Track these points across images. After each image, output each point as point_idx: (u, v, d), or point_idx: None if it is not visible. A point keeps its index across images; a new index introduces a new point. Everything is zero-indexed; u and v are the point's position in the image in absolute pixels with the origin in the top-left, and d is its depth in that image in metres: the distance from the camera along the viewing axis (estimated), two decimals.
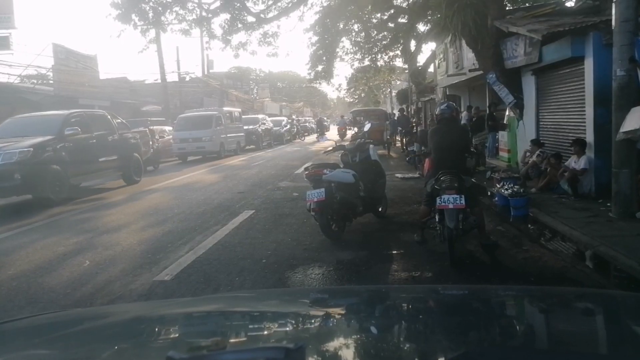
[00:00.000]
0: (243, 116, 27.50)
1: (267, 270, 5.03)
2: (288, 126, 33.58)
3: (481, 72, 11.55)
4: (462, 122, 12.58)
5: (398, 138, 20.92)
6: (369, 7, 18.41)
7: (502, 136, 12.55)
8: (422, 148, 12.53)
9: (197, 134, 19.60)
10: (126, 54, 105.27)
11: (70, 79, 22.76)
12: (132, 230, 7.24)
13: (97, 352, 1.31)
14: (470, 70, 13.86)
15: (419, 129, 14.50)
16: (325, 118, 44.55)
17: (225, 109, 23.81)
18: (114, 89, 25.69)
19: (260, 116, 30.10)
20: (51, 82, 23.21)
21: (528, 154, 9.46)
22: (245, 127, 24.73)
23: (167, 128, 21.45)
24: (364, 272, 4.88)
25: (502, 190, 7.22)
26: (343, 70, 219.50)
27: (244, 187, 11.11)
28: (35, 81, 23.04)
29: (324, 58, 22.48)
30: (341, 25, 20.91)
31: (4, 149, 9.39)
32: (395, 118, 21.72)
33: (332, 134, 29.48)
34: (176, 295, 4.38)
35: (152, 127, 17.80)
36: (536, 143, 9.15)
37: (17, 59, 26.75)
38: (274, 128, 29.88)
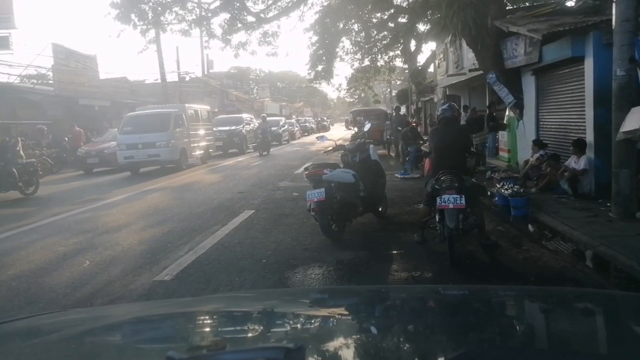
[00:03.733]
0: (224, 115, 24.48)
1: (267, 270, 5.03)
2: (286, 126, 31.98)
3: (481, 72, 11.56)
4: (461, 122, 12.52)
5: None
6: (369, 6, 18.41)
7: (502, 136, 12.56)
8: (408, 148, 12.62)
9: (149, 137, 15.27)
10: (126, 54, 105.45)
11: (70, 79, 22.79)
12: (132, 230, 7.24)
13: (97, 352, 1.31)
14: (470, 70, 13.88)
15: (406, 129, 13.80)
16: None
17: (190, 105, 19.15)
18: (114, 89, 25.73)
19: (244, 115, 26.09)
20: (51, 82, 23.25)
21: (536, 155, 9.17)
22: (227, 128, 22.10)
23: None
24: (364, 272, 4.88)
25: (502, 190, 7.23)
26: (343, 70, 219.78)
27: (244, 187, 11.11)
28: (35, 81, 23.07)
29: (324, 58, 22.47)
30: (341, 25, 20.91)
31: None
32: (389, 120, 18.40)
33: (332, 134, 29.29)
34: (176, 295, 4.38)
35: (16, 136, 14.05)
36: (538, 144, 9.12)
37: (17, 59, 26.83)
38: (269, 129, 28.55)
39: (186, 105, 18.83)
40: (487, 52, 10.38)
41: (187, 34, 18.22)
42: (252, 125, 24.72)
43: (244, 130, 23.20)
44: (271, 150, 22.52)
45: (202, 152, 18.15)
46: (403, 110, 24.47)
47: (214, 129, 21.29)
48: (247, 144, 23.34)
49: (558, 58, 8.31)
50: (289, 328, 1.44)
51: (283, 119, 34.04)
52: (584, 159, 7.51)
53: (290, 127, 34.37)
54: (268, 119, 23.71)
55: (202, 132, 18.60)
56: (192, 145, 17.25)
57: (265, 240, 6.20)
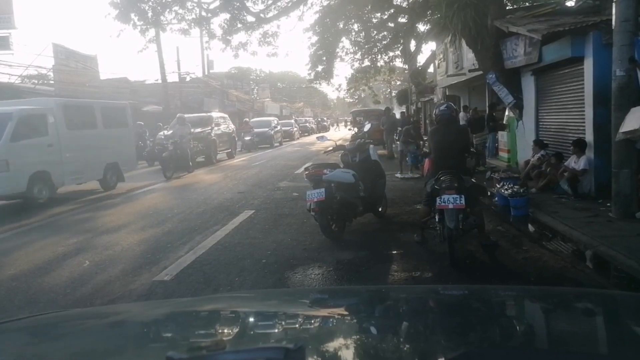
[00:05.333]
0: (189, 115, 17.80)
1: (267, 270, 5.03)
2: (279, 127, 29.09)
3: (481, 72, 11.56)
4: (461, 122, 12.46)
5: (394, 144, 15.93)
6: (369, 6, 18.43)
7: (502, 136, 12.56)
8: (403, 150, 12.63)
9: None
10: (126, 54, 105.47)
11: (71, 79, 22.80)
12: (132, 230, 7.24)
13: (97, 352, 1.31)
14: (470, 71, 13.89)
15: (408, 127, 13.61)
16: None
17: (69, 101, 12.45)
18: (115, 89, 25.68)
19: (214, 114, 20.27)
20: (52, 82, 23.25)
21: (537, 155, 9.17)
22: (192, 131, 15.65)
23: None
24: (364, 272, 4.88)
25: (502, 190, 7.22)
26: (343, 70, 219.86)
27: (244, 187, 11.11)
28: (35, 81, 23.05)
29: (324, 58, 22.49)
30: (341, 25, 20.94)
31: None
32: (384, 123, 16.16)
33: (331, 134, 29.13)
34: (176, 295, 4.38)
35: None
36: (539, 144, 9.12)
37: (17, 59, 26.88)
38: (261, 129, 25.69)
39: (58, 100, 12.04)
40: (487, 52, 10.39)
41: (187, 33, 18.27)
42: (223, 127, 19.54)
43: (212, 134, 17.94)
44: (241, 159, 19.12)
45: (102, 172, 11.49)
46: (401, 110, 24.44)
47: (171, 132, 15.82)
48: (217, 150, 18.27)
49: (558, 58, 8.31)
50: (289, 328, 1.44)
51: (275, 119, 30.99)
52: (584, 159, 7.51)
53: (287, 128, 32.92)
54: (259, 118, 19.73)
55: (100, 139, 11.47)
56: (68, 164, 10.39)
57: (265, 240, 6.20)
